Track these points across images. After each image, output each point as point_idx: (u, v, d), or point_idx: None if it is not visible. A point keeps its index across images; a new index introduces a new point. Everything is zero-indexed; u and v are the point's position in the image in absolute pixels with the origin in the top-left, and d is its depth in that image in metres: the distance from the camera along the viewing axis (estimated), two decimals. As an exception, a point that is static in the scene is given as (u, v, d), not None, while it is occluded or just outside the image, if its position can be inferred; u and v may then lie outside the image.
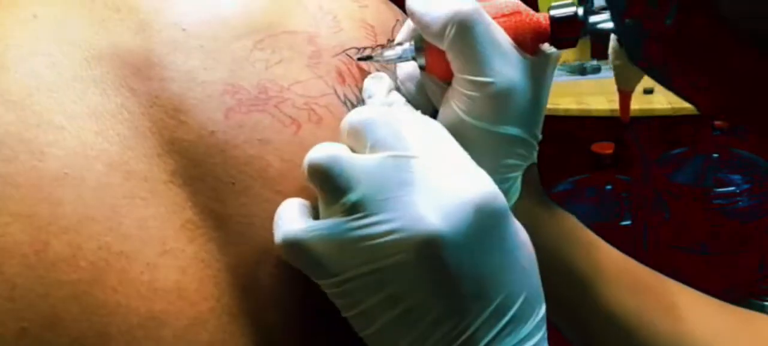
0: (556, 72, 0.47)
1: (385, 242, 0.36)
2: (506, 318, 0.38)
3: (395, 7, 0.51)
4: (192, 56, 0.41)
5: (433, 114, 0.44)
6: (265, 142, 0.41)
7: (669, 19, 0.32)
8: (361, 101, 0.45)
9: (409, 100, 0.46)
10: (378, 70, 0.46)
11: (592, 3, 0.45)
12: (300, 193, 0.40)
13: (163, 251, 0.39)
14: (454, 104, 0.43)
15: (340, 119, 0.41)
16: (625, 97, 1.00)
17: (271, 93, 0.42)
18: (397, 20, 0.50)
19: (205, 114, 0.41)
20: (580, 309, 0.50)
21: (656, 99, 1.28)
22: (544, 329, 0.39)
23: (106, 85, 0.40)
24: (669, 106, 1.26)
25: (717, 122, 1.28)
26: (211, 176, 0.40)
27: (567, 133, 1.31)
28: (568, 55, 1.43)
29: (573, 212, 0.53)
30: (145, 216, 0.39)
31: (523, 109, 0.43)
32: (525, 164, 0.46)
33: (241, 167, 0.40)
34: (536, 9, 0.46)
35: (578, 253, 0.50)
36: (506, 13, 0.44)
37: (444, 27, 0.42)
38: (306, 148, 0.39)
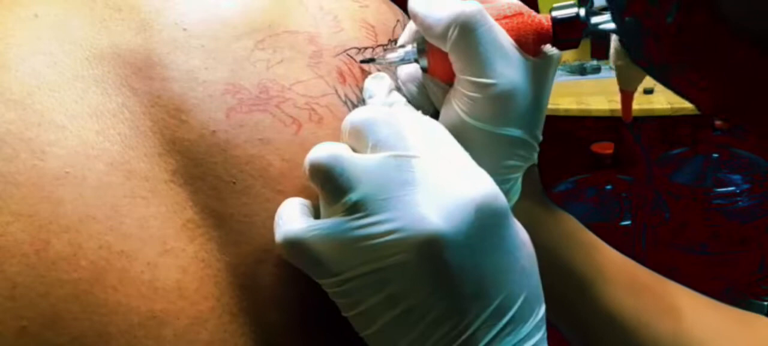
0: (557, 72, 0.47)
1: (386, 241, 0.36)
2: (506, 318, 0.38)
3: (396, 7, 0.51)
4: (193, 56, 0.41)
5: (434, 115, 0.44)
6: (266, 141, 0.41)
7: (670, 16, 0.33)
8: (362, 101, 0.45)
9: (409, 101, 0.46)
10: (379, 71, 0.46)
11: (593, 3, 0.45)
12: (301, 192, 0.41)
13: (164, 251, 0.39)
14: (456, 105, 0.43)
15: (341, 119, 0.41)
16: (627, 97, 1.00)
17: (272, 93, 0.42)
18: (398, 20, 0.50)
19: (207, 114, 0.41)
20: (579, 310, 0.50)
21: (656, 99, 1.28)
22: (543, 329, 0.39)
23: (107, 85, 0.40)
24: (669, 106, 1.26)
25: (717, 122, 1.28)
26: (212, 176, 0.40)
27: (567, 133, 1.31)
28: (568, 55, 1.43)
29: (573, 212, 0.53)
30: (146, 215, 0.39)
31: (525, 110, 0.43)
32: (525, 165, 0.46)
33: (242, 167, 0.41)
34: (537, 10, 0.46)
35: (578, 254, 0.50)
36: (508, 14, 0.44)
37: (447, 29, 0.42)
38: (307, 148, 0.39)
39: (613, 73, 1.09)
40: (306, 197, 0.40)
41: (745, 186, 1.25)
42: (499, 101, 0.42)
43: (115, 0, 0.43)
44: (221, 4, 0.43)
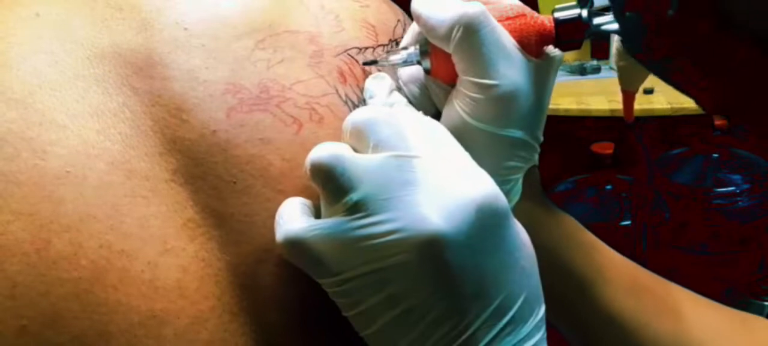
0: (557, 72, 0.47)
1: (387, 241, 0.36)
2: (506, 318, 0.38)
3: (396, 7, 0.51)
4: (193, 55, 0.41)
5: (435, 116, 0.44)
6: (267, 141, 0.41)
7: (671, 10, 0.33)
8: (363, 101, 0.45)
9: (410, 102, 0.46)
10: (379, 71, 0.46)
11: (593, 4, 0.45)
12: (301, 192, 0.41)
13: (164, 250, 0.39)
14: (458, 106, 0.43)
15: (342, 119, 0.41)
16: (628, 97, 1.00)
17: (273, 92, 0.42)
18: (399, 20, 0.50)
19: (207, 113, 0.41)
20: (579, 310, 0.50)
21: (656, 99, 1.28)
22: (543, 329, 0.39)
23: (108, 84, 0.40)
24: (669, 106, 1.26)
25: (717, 122, 1.28)
26: (212, 175, 0.40)
27: (567, 134, 1.32)
28: (568, 55, 1.43)
29: (573, 212, 0.53)
30: (147, 215, 0.39)
31: (526, 111, 0.43)
32: (526, 166, 0.46)
33: (242, 166, 0.41)
34: (538, 11, 0.46)
35: (578, 254, 0.50)
36: (511, 15, 0.44)
37: (450, 30, 0.42)
38: (307, 148, 0.39)
39: (614, 73, 1.09)
40: (306, 196, 0.40)
41: (745, 186, 1.25)
42: (501, 102, 0.42)
43: None
44: (222, 4, 0.43)
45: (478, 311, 0.37)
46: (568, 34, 0.45)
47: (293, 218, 0.39)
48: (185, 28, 0.42)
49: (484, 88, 0.42)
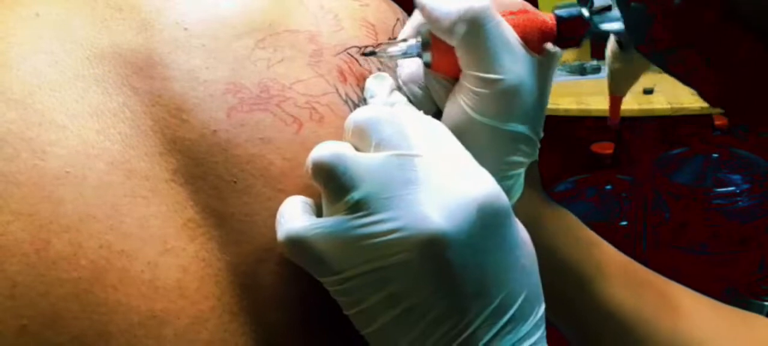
0: (557, 72, 0.47)
1: (388, 240, 0.36)
2: (506, 317, 0.38)
3: (396, 6, 0.51)
4: (194, 55, 0.41)
5: (436, 115, 0.44)
6: (267, 140, 0.41)
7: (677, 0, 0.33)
8: (363, 100, 0.45)
9: (411, 101, 0.46)
10: (380, 69, 0.46)
11: (593, 3, 0.45)
12: (302, 191, 0.40)
13: (164, 250, 0.39)
14: (462, 101, 0.43)
15: (342, 118, 0.41)
16: (616, 101, 1.00)
17: (273, 92, 0.42)
18: (398, 19, 0.50)
19: (207, 113, 0.41)
20: (578, 306, 0.51)
21: (656, 99, 1.28)
22: (543, 328, 0.39)
23: (108, 84, 0.40)
24: (669, 106, 1.26)
25: (717, 122, 1.29)
26: (212, 175, 0.40)
27: (567, 134, 1.32)
28: (568, 55, 1.43)
29: (573, 212, 0.53)
30: (147, 215, 0.39)
31: (529, 106, 0.43)
32: (528, 161, 0.46)
33: (242, 166, 0.41)
34: (537, 8, 0.46)
35: (577, 250, 0.50)
36: (514, 11, 0.44)
37: (454, 23, 0.42)
38: (308, 147, 0.39)
39: (614, 74, 1.09)
40: (307, 195, 0.40)
41: (745, 186, 1.25)
42: (505, 97, 0.42)
43: (116, 0, 0.43)
44: (222, 4, 0.43)
45: (479, 309, 0.37)
46: (570, 31, 0.45)
47: (295, 217, 0.39)
48: (185, 28, 0.42)
49: (488, 82, 0.42)
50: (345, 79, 0.44)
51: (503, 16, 0.43)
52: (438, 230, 0.36)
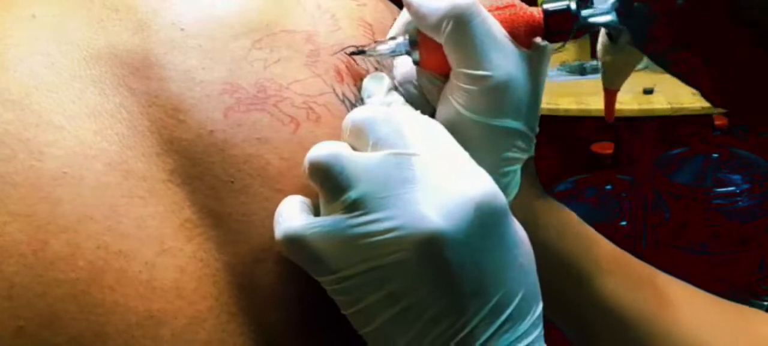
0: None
1: (386, 239, 0.36)
2: (504, 315, 0.38)
3: (393, 6, 0.51)
4: (190, 56, 0.41)
5: (432, 115, 0.44)
6: (264, 140, 0.41)
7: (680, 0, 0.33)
8: (360, 100, 0.45)
9: (407, 101, 0.46)
10: (377, 68, 0.46)
11: None
12: (299, 191, 0.40)
13: (162, 250, 0.39)
14: (453, 99, 0.43)
15: (339, 118, 0.41)
16: (610, 95, 1.00)
17: (270, 92, 0.42)
18: (395, 19, 0.50)
19: (204, 113, 0.41)
20: (577, 303, 0.50)
21: (656, 99, 1.28)
22: (540, 326, 0.39)
23: (105, 85, 0.40)
24: (669, 106, 1.26)
25: (717, 122, 1.29)
26: (209, 175, 0.40)
27: (567, 133, 1.31)
28: (568, 55, 1.43)
29: (573, 212, 0.53)
30: (144, 215, 0.39)
31: (521, 101, 0.43)
32: (524, 157, 0.46)
33: (240, 166, 0.41)
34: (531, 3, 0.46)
35: (576, 247, 0.50)
36: (501, 6, 0.44)
37: (441, 20, 0.42)
38: (305, 147, 0.39)
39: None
40: (305, 195, 0.40)
41: (745, 186, 1.25)
42: (495, 93, 0.42)
43: (113, 0, 0.43)
44: (218, 4, 0.43)
45: (477, 308, 0.37)
46: (557, 25, 0.45)
47: (292, 216, 0.39)
48: (182, 29, 0.42)
49: (477, 79, 0.42)
50: (342, 79, 0.44)
51: (490, 11, 0.43)
52: (436, 229, 0.36)
